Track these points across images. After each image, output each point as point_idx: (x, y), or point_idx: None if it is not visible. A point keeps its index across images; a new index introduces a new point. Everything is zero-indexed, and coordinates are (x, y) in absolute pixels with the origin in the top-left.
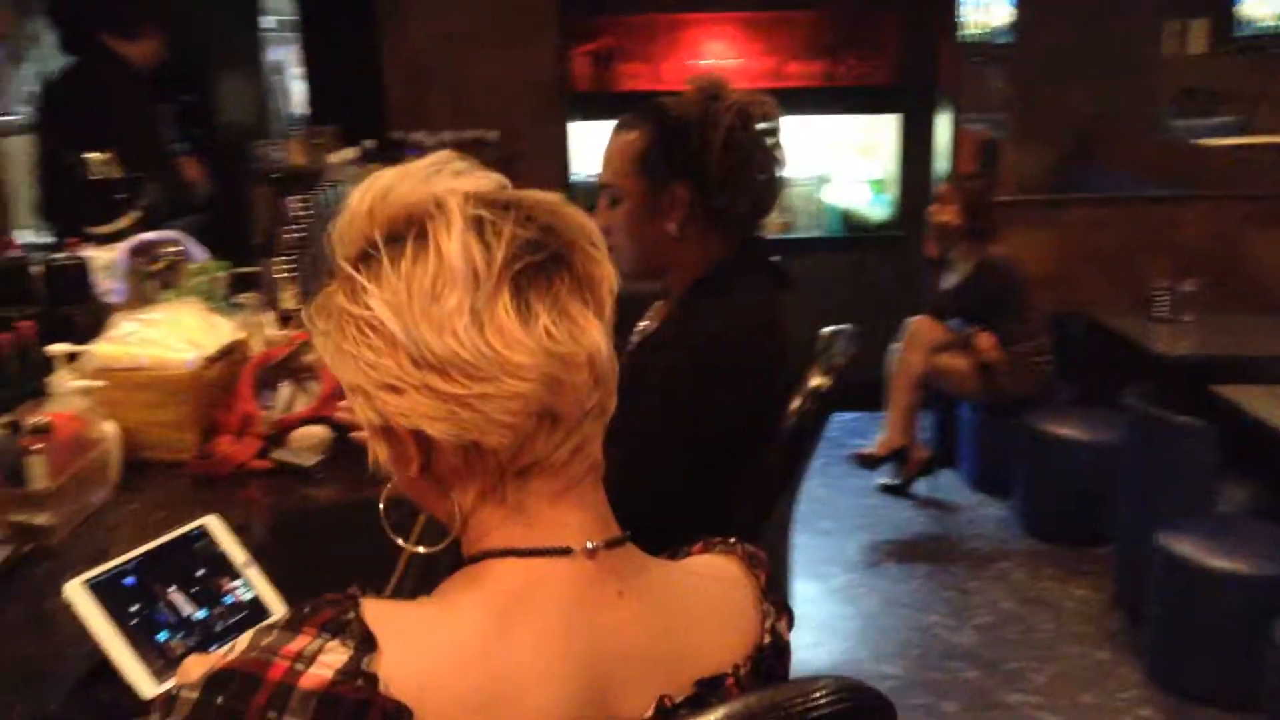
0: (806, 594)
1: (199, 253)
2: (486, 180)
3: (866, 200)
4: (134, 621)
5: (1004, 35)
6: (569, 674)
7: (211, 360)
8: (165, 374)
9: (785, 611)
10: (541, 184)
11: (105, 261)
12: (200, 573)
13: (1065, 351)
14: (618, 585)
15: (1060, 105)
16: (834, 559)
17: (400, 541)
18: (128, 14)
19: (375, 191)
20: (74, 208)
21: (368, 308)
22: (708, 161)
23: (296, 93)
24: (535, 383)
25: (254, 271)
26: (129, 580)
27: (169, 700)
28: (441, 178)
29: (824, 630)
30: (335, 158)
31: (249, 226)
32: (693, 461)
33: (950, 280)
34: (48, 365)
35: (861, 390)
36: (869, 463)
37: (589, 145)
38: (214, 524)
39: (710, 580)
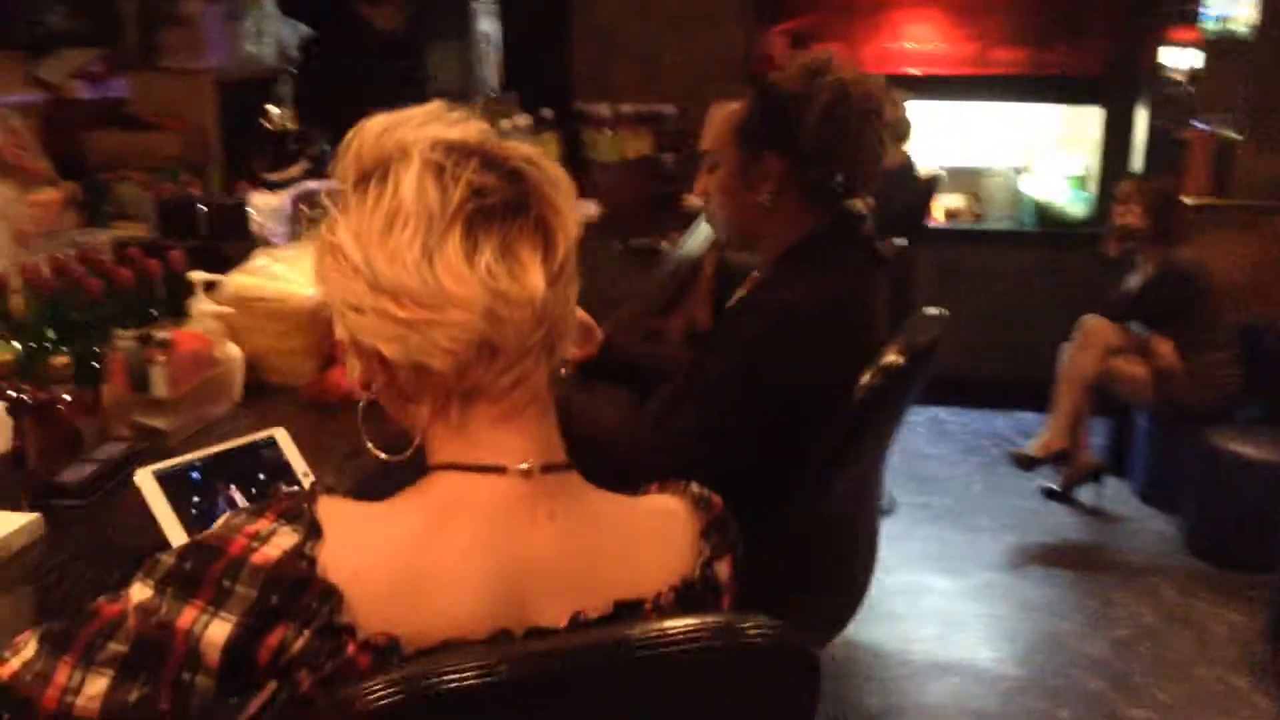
0: (939, 588)
1: None
2: (469, 130)
3: (1065, 195)
4: (193, 511)
5: (1241, 29)
6: (488, 579)
7: None
8: (288, 305)
9: (729, 554)
10: None
11: (272, 205)
12: (261, 476)
13: (1255, 366)
14: (549, 506)
15: None
16: (975, 557)
17: (370, 446)
18: None
19: (360, 135)
20: (251, 153)
21: (337, 236)
22: (801, 135)
23: (495, 62)
24: (475, 315)
25: None
26: (195, 475)
27: (153, 563)
28: (426, 126)
29: (951, 625)
30: (505, 124)
31: None
32: (763, 425)
33: (1132, 282)
34: (191, 290)
35: (1037, 389)
36: (1024, 463)
37: None
38: (282, 435)
39: (647, 514)
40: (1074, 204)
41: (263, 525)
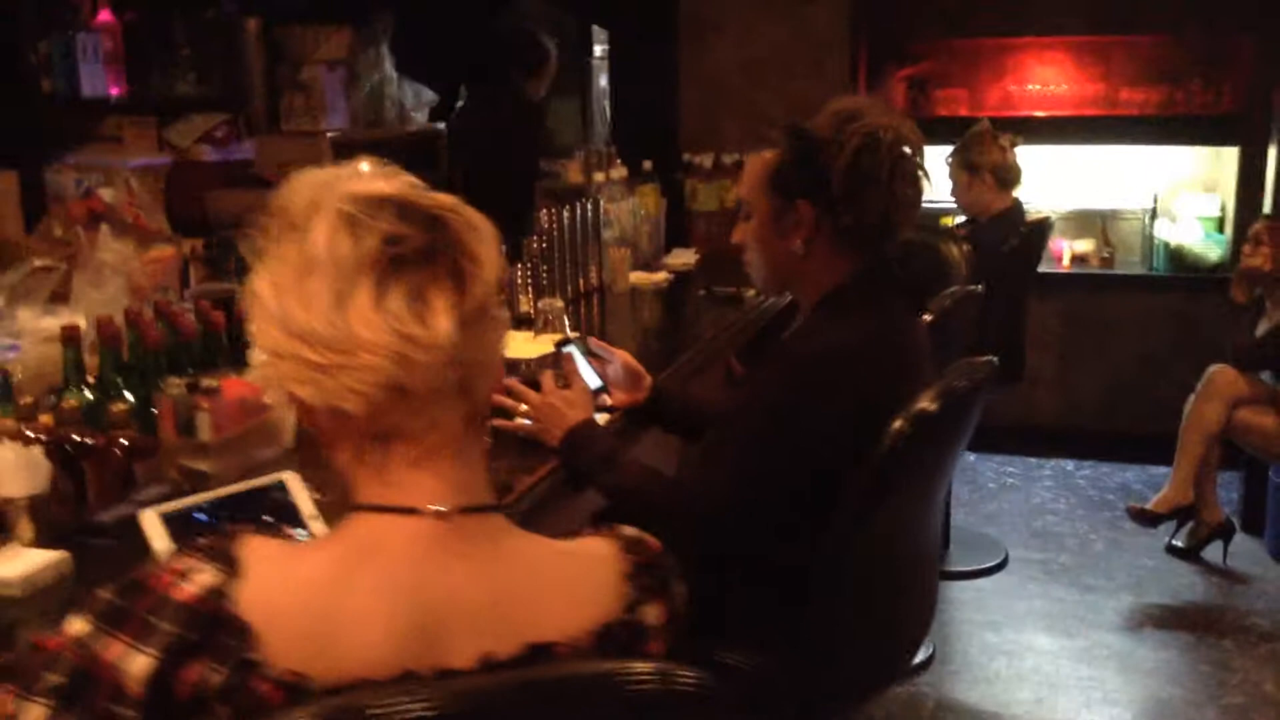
0: (1044, 648)
1: None
2: (392, 184)
3: (1198, 237)
4: None
5: None
6: (398, 621)
7: None
8: None
9: (660, 599)
10: None
11: None
12: (268, 519)
13: None
14: (464, 548)
15: None
16: (1085, 618)
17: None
18: (535, 53)
19: (286, 189)
20: None
21: (256, 285)
22: (831, 181)
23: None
24: (385, 359)
25: None
26: (199, 515)
27: (93, 598)
28: (349, 181)
29: (1052, 688)
30: (599, 176)
31: (513, 236)
32: (798, 473)
33: (1261, 328)
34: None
35: (1171, 442)
36: (1144, 518)
37: None
38: (292, 479)
39: (568, 556)
40: (1208, 246)
41: (186, 563)
